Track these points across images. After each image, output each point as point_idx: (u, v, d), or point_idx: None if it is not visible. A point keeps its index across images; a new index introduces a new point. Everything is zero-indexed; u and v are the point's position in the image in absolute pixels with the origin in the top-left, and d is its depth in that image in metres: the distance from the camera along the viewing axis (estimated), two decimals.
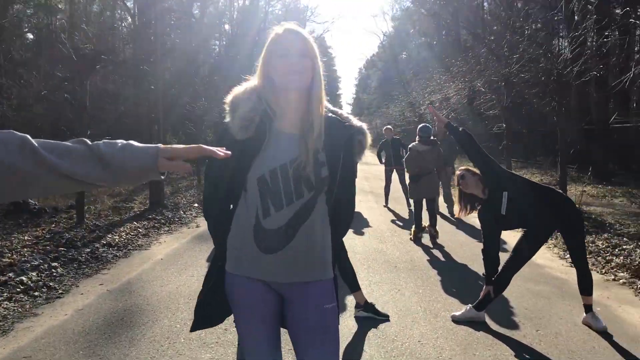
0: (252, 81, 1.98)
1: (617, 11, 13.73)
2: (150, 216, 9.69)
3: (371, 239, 8.06)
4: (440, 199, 10.75)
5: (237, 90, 1.96)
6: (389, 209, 11.35)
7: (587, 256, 4.92)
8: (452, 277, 6.00)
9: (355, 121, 2.07)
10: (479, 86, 14.30)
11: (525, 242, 4.41)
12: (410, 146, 8.00)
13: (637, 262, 6.25)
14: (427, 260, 6.77)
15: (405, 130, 31.22)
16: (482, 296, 4.48)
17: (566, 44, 11.50)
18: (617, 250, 6.99)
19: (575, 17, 11.32)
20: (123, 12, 21.46)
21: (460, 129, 4.49)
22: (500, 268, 4.43)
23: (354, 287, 4.59)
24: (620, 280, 5.86)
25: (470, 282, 5.82)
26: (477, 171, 4.45)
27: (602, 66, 9.97)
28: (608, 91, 13.74)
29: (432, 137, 8.03)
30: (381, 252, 7.17)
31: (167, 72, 20.17)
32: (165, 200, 11.03)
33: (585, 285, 4.39)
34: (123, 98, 19.58)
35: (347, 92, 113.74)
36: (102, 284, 5.69)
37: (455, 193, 4.65)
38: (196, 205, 11.36)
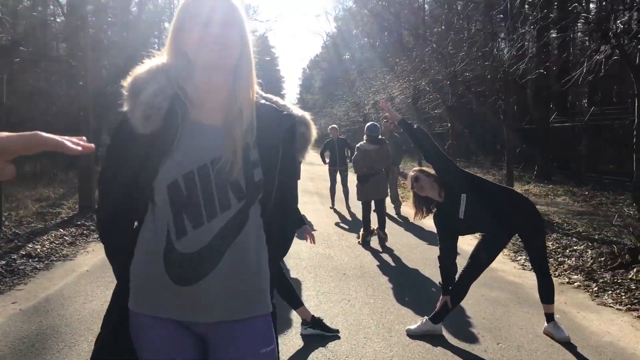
0: (160, 58, 1.48)
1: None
2: (79, 222, 8.88)
3: (318, 243, 7.59)
4: (388, 199, 10.50)
5: (139, 69, 1.45)
6: (336, 211, 10.97)
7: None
8: (404, 283, 5.64)
9: (296, 110, 1.62)
10: (423, 85, 14.18)
11: (483, 247, 4.09)
12: (357, 146, 7.62)
13: (589, 264, 6.10)
14: (377, 265, 6.40)
15: (350, 130, 31.10)
16: (438, 307, 4.12)
17: (506, 44, 11.50)
18: (567, 251, 6.85)
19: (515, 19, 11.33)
20: (56, 8, 20.24)
21: (415, 125, 4.12)
22: (457, 276, 4.09)
23: (296, 305, 4.13)
24: (575, 283, 5.68)
25: (423, 288, 5.49)
26: (432, 172, 4.10)
27: (548, 64, 9.92)
28: (550, 92, 13.89)
29: (379, 137, 7.68)
30: (329, 257, 6.75)
31: (103, 69, 19.26)
32: (96, 204, 10.20)
33: (547, 293, 4.10)
34: (56, 96, 18.51)
35: (291, 92, 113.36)
36: (15, 302, 4.97)
37: (408, 196, 4.28)
38: None
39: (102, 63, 17.31)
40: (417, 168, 4.23)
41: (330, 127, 12.11)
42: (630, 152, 9.57)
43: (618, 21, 7.83)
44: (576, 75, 8.77)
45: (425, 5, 27.02)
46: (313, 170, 19.70)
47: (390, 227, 8.43)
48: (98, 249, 7.27)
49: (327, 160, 11.62)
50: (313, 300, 4.96)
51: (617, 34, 7.50)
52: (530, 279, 5.75)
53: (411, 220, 4.31)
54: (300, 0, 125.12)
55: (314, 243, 4.58)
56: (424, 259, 6.69)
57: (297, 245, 7.30)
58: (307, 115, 1.63)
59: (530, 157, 17.26)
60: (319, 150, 12.30)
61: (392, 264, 6.56)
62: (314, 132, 1.63)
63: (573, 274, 6.00)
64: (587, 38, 17.86)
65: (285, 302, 4.11)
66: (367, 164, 7.37)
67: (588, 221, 9.21)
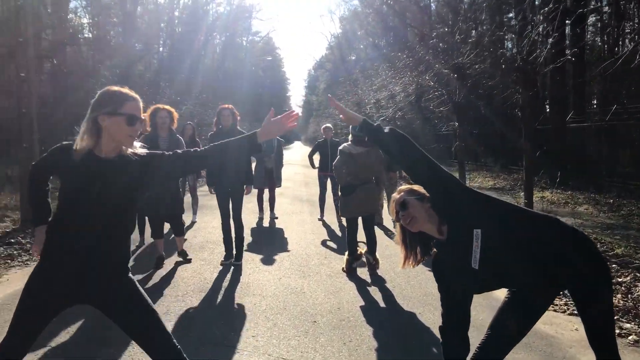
0: None
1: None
2: (13, 240, 7.40)
3: (289, 271, 6.08)
4: (385, 210, 8.94)
5: None
6: (324, 224, 9.42)
7: None
8: (395, 337, 4.10)
9: None
10: (427, 80, 12.60)
11: (512, 312, 2.55)
12: (340, 148, 6.03)
13: None
14: (361, 307, 4.84)
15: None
16: None
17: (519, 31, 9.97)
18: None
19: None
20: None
21: (387, 128, 2.59)
22: (471, 358, 2.55)
23: None
24: (629, 337, 4.11)
25: (423, 346, 3.94)
26: (427, 193, 2.56)
27: (577, 50, 8.33)
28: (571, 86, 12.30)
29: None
30: (299, 293, 5.20)
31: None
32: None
33: None
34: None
35: (297, 94, 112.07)
36: None
37: (395, 230, 2.71)
38: None
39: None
40: (404, 187, 2.68)
41: (323, 126, 10.50)
42: None
43: None
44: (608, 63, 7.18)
45: (432, 4, 26.05)
46: (310, 174, 17.90)
47: (385, 248, 6.89)
48: (19, 276, 5.77)
49: (317, 165, 10.08)
50: None
51: None
52: (569, 328, 4.19)
53: (400, 267, 2.76)
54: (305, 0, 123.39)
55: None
56: (425, 295, 5.15)
57: (261, 274, 5.80)
58: None
59: (545, 160, 15.62)
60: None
61: (382, 303, 5.00)
62: None
63: (623, 320, 4.45)
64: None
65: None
66: (351, 172, 5.83)
67: (623, 238, 7.64)
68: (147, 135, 6.13)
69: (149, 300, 2.45)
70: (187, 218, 9.35)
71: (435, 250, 2.60)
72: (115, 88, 2.37)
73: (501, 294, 2.72)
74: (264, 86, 55.03)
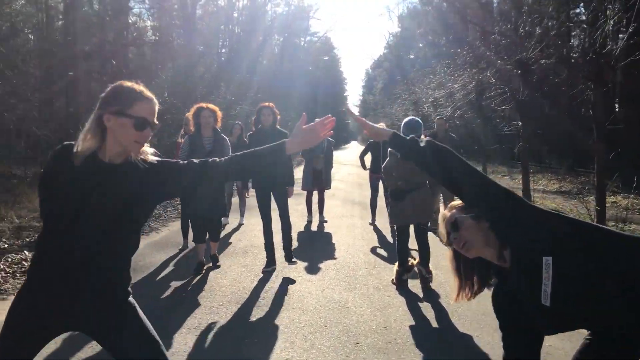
0: None
1: None
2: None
3: (334, 281, 5.66)
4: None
5: None
6: (376, 229, 8.95)
7: None
8: None
9: None
10: (488, 77, 11.86)
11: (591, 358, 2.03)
12: (391, 149, 5.57)
13: None
14: (411, 327, 4.35)
15: None
16: None
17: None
18: None
19: None
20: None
21: (424, 141, 2.12)
22: None
23: None
24: None
25: None
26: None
27: None
28: None
29: (423, 137, 5.63)
30: (342, 308, 4.77)
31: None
32: None
33: None
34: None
35: (354, 93, 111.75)
36: None
37: (446, 254, 2.22)
38: None
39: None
40: (456, 202, 2.19)
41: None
42: None
43: None
44: None
45: (494, 1, 25.19)
46: (365, 175, 17.33)
47: (438, 259, 6.36)
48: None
49: (368, 166, 9.63)
50: None
51: None
52: None
53: (452, 302, 2.27)
54: None
55: None
56: (483, 314, 4.60)
57: (303, 285, 5.41)
58: None
59: (617, 162, 14.47)
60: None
61: (434, 322, 4.50)
62: None
63: None
64: None
65: None
66: (402, 175, 5.34)
67: None
68: (190, 136, 5.88)
69: (151, 330, 2.08)
70: (234, 220, 9.12)
71: (493, 281, 2.11)
72: (128, 83, 1.98)
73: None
74: (320, 86, 54.92)
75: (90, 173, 1.93)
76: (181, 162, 2.11)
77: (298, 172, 9.64)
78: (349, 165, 24.77)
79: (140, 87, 1.99)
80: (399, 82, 36.73)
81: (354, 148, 64.04)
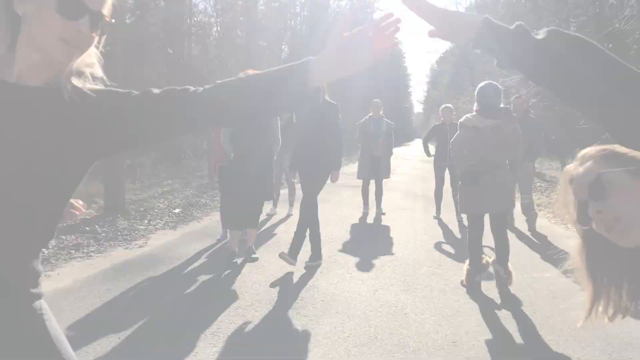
0: None
1: None
2: (88, 228, 6.75)
3: (390, 281, 4.70)
4: (517, 208, 7.19)
5: None
6: (441, 223, 7.90)
7: None
8: None
9: None
10: None
11: None
12: (461, 120, 4.53)
13: None
14: (487, 341, 3.35)
15: None
16: None
17: None
18: None
19: None
20: None
21: (543, 31, 1.05)
22: None
23: None
24: None
25: None
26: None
27: None
28: None
29: (502, 106, 4.56)
30: (398, 315, 3.82)
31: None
32: (126, 205, 8.06)
33: None
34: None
35: (419, 90, 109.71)
36: None
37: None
38: (177, 211, 8.38)
39: None
40: (595, 150, 1.16)
41: (442, 106, 8.93)
42: None
43: None
44: None
45: None
46: (429, 168, 16.12)
47: (517, 257, 5.26)
48: (68, 272, 4.97)
49: (433, 153, 8.59)
50: None
51: None
52: None
53: (579, 324, 1.30)
54: None
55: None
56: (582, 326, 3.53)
57: (353, 284, 4.49)
58: None
59: None
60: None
61: (517, 337, 3.47)
62: None
63: None
64: None
65: None
66: (476, 153, 4.31)
67: None
68: None
69: (61, 347, 1.25)
70: (282, 210, 8.33)
71: None
72: None
73: None
74: (383, 80, 53.86)
75: None
76: (134, 92, 1.23)
77: (352, 160, 8.73)
78: (412, 159, 23.59)
79: None
80: (464, 74, 35.30)
81: (418, 144, 62.41)
